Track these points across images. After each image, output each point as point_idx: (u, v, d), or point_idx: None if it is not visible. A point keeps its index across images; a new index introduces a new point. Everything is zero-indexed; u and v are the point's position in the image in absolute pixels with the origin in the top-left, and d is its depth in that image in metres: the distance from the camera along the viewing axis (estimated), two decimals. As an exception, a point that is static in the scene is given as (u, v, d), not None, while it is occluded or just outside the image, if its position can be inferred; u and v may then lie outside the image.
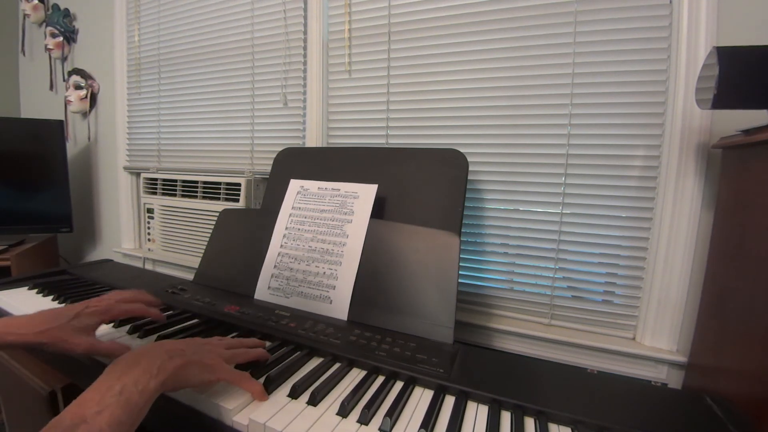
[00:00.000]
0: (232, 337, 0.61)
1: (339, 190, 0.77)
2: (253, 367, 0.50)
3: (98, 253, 1.64)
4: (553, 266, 0.83)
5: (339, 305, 0.68)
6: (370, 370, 0.54)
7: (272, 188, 0.93)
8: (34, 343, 0.49)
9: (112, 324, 0.63)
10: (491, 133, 0.86)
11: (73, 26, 1.61)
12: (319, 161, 0.90)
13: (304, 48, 1.07)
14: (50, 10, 1.61)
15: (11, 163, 1.40)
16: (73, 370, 0.61)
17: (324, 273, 0.71)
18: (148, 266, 1.38)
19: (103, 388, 0.35)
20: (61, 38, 1.59)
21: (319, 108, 1.06)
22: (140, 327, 0.61)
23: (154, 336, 0.60)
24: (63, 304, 0.72)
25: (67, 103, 1.55)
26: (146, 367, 0.38)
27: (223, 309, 0.69)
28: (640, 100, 0.74)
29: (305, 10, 1.06)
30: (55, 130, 1.45)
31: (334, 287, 0.69)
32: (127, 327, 0.62)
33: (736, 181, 0.59)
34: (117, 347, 0.51)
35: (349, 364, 0.55)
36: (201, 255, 0.87)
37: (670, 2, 0.71)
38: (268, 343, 0.60)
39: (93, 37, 1.56)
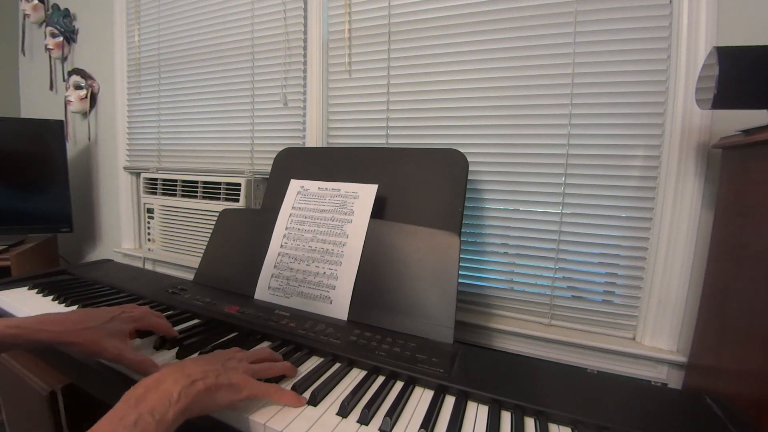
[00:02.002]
0: (232, 337, 0.62)
1: (339, 190, 0.77)
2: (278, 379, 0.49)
3: (98, 253, 1.64)
4: (553, 266, 0.83)
5: (339, 305, 0.68)
6: (370, 370, 0.54)
7: (272, 188, 0.93)
8: (66, 341, 0.48)
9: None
10: (491, 133, 0.86)
11: (73, 26, 1.61)
12: (319, 161, 0.90)
13: (304, 48, 1.07)
14: (50, 10, 1.61)
15: (11, 163, 1.40)
16: (73, 371, 0.61)
17: (324, 273, 0.71)
18: (148, 266, 1.38)
19: (116, 419, 0.32)
20: (61, 38, 1.59)
21: (319, 108, 1.06)
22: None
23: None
24: (63, 305, 0.72)
25: (67, 103, 1.55)
26: (166, 393, 0.35)
27: (223, 309, 0.69)
28: (640, 100, 0.74)
29: (305, 10, 1.06)
30: (55, 130, 1.45)
31: (334, 287, 0.69)
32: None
33: (736, 181, 0.59)
34: (143, 360, 0.49)
35: (349, 364, 0.55)
36: (201, 255, 0.87)
37: (670, 2, 0.71)
38: (268, 343, 0.60)
39: (93, 37, 1.56)
